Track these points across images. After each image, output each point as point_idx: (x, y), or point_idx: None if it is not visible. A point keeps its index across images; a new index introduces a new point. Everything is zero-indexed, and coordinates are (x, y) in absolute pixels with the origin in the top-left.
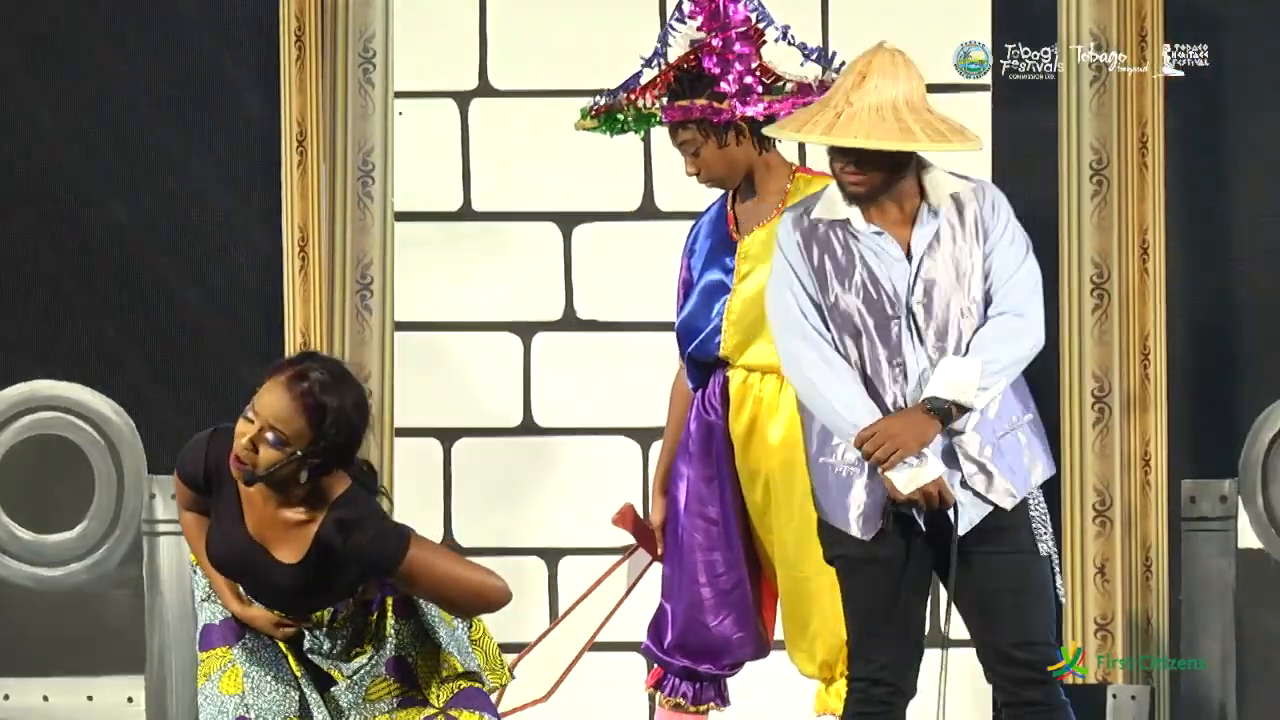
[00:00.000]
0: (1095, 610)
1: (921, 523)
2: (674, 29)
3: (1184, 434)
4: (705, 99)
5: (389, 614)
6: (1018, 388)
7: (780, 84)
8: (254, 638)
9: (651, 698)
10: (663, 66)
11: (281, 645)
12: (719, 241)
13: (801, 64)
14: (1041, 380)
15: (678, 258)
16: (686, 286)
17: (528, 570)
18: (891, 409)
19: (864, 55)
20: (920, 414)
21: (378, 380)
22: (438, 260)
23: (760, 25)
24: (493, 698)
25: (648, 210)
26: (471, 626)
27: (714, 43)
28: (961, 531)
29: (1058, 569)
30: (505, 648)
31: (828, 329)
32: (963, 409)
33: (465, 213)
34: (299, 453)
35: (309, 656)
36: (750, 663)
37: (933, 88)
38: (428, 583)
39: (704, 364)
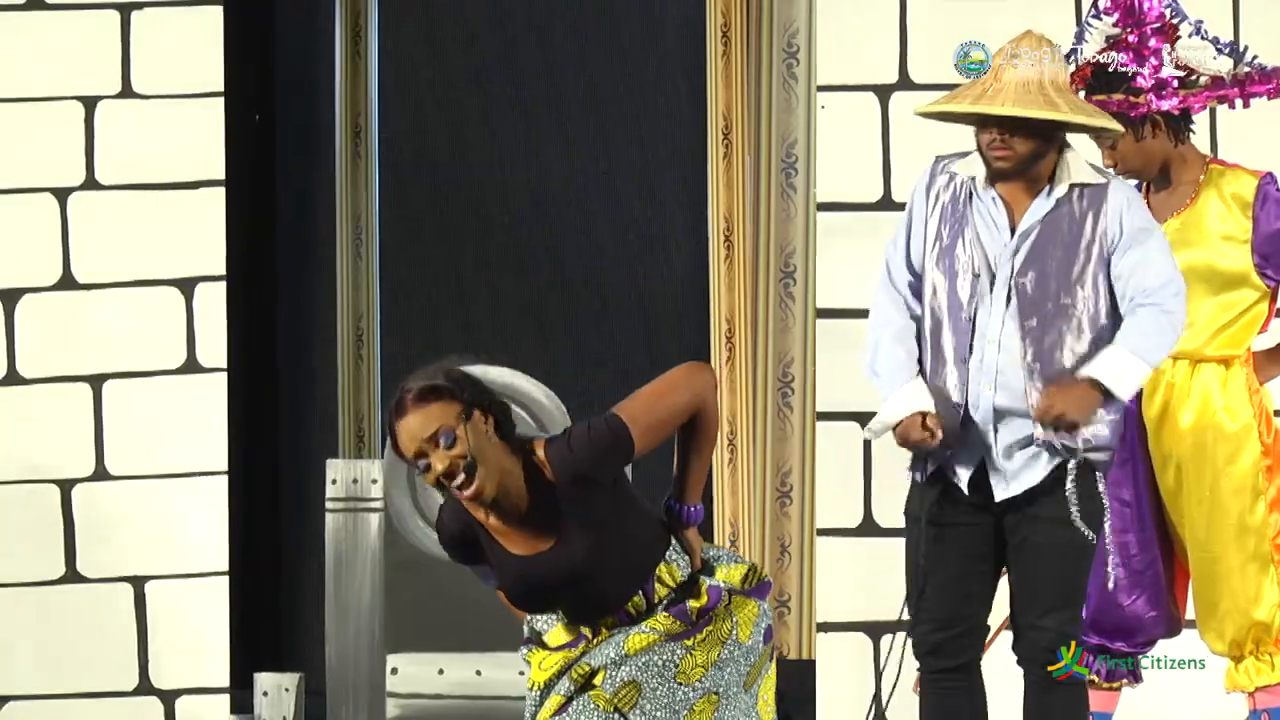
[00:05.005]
0: None
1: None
2: (1090, 25)
3: None
4: (1122, 93)
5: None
6: None
7: (1194, 78)
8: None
9: None
10: (1080, 62)
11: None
12: None
13: (1214, 58)
14: None
15: None
16: None
17: None
18: (949, 360)
19: (1012, 39)
20: (1085, 387)
21: (799, 365)
22: (858, 249)
23: (1174, 20)
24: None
25: None
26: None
27: (1129, 38)
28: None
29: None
30: None
31: (911, 274)
32: (1111, 395)
33: (885, 203)
34: (465, 418)
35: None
36: (1162, 640)
37: None
38: (657, 428)
39: None
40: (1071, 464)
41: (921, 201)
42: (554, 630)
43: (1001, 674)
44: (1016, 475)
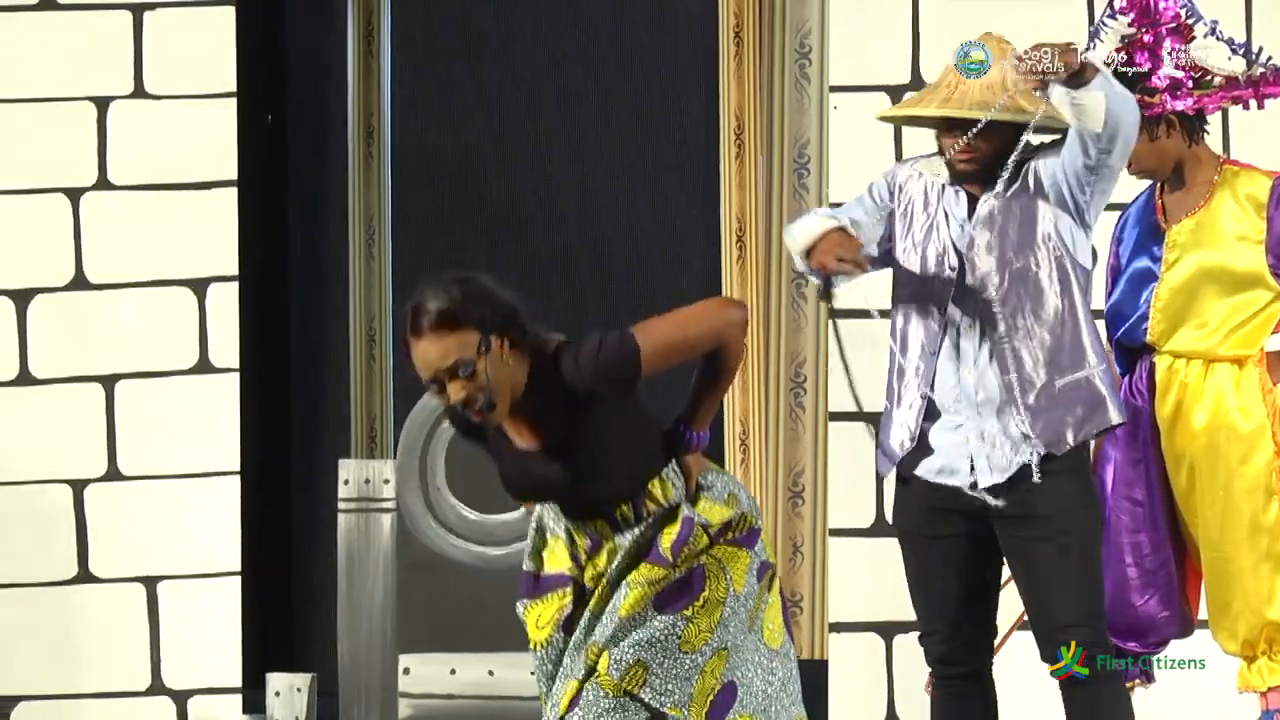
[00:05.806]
0: None
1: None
2: (1105, 25)
3: None
4: (1136, 93)
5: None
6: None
7: (1208, 78)
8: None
9: None
10: None
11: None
12: (1147, 230)
13: (1229, 58)
14: None
15: (1105, 246)
16: (1114, 273)
17: None
18: (925, 346)
19: (969, 41)
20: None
21: (812, 365)
22: None
23: (1189, 21)
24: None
25: None
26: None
27: (1144, 39)
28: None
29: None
30: None
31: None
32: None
33: None
34: (484, 349)
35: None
36: (1175, 640)
37: None
38: (672, 348)
39: (1131, 349)
40: (1036, 461)
41: (884, 190)
42: (557, 548)
43: (1011, 678)
44: (999, 462)
